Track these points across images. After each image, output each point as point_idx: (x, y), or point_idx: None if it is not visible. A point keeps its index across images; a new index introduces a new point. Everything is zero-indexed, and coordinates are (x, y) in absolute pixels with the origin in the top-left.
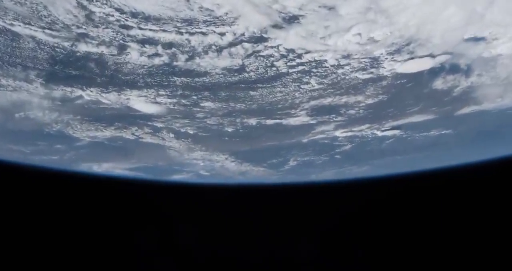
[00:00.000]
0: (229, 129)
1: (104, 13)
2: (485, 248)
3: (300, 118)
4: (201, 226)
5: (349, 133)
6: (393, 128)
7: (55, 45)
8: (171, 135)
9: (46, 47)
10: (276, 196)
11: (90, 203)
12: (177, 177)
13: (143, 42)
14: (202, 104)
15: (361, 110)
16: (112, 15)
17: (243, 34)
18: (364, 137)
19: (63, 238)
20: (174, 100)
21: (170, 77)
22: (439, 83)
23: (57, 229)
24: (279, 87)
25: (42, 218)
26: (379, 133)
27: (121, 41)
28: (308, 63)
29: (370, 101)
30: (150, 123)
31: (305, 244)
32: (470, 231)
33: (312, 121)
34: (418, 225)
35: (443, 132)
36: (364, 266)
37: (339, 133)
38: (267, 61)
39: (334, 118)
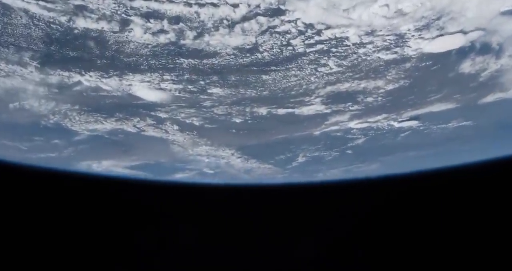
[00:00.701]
0: (237, 120)
1: None
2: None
3: (314, 107)
4: (201, 229)
5: (364, 125)
6: (411, 118)
7: (51, 20)
8: (175, 127)
9: (40, 23)
10: (279, 197)
11: (90, 204)
12: (179, 176)
13: (148, 16)
14: (209, 91)
15: (379, 98)
16: None
17: (258, 6)
18: (379, 129)
19: (63, 241)
20: (180, 86)
21: (176, 58)
22: (466, 66)
23: (57, 231)
24: (294, 70)
25: (45, 219)
26: (396, 124)
27: (123, 15)
28: (328, 41)
29: (390, 87)
30: (153, 113)
31: (307, 247)
32: (486, 233)
33: (326, 111)
34: (428, 228)
35: (462, 124)
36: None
37: (353, 124)
38: (283, 39)
39: (350, 107)
